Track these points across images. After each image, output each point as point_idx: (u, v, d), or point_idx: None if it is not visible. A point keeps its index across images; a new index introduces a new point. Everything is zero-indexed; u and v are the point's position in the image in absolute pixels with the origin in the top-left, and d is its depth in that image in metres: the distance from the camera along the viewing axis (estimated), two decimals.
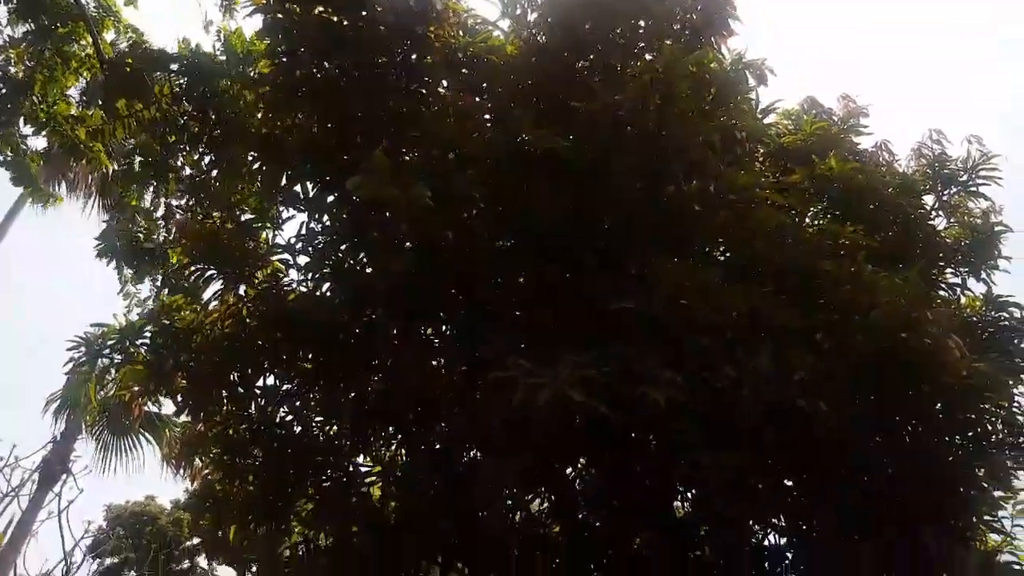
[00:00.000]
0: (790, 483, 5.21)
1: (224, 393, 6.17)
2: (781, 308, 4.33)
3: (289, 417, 6.65)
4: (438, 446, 6.17)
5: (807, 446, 4.24)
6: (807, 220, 5.41)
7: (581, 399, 3.80)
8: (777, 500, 4.79)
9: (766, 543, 6.08)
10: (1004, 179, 5.86)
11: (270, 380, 6.62)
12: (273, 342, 5.52)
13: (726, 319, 4.14)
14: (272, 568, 6.33)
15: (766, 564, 6.11)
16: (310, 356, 5.85)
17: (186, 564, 17.74)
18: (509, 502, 6.26)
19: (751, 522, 5.89)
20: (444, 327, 6.25)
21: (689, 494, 6.33)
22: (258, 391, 6.58)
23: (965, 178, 5.97)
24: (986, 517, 5.78)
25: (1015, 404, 5.57)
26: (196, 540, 17.36)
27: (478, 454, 5.96)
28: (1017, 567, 4.98)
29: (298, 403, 6.59)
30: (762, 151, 5.86)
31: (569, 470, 6.58)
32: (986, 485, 5.32)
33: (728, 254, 5.07)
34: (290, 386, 6.54)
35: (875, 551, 4.99)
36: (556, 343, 4.28)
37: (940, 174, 6.02)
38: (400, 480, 6.26)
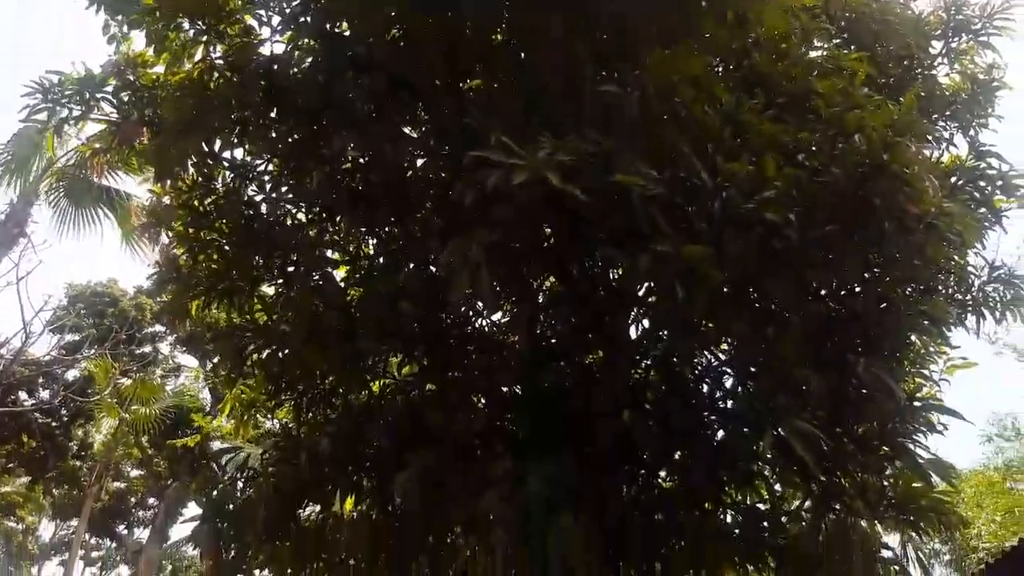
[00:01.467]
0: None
1: (191, 160, 6.01)
2: (769, 120, 4.24)
3: (259, 197, 6.58)
4: (403, 241, 6.21)
5: (765, 260, 4.31)
6: (814, 42, 5.19)
7: (558, 183, 3.76)
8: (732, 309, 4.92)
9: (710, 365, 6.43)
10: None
11: (239, 154, 6.49)
12: (243, 104, 5.30)
13: (711, 121, 4.05)
14: (234, 359, 6.46)
15: (706, 386, 6.49)
16: (282, 126, 5.65)
17: (147, 349, 18.15)
18: (474, 296, 6.43)
19: (699, 346, 6.19)
20: (423, 124, 6.08)
21: (645, 321, 6.57)
22: (227, 164, 6.44)
23: (979, 25, 5.74)
24: (918, 364, 6.15)
25: (974, 255, 5.77)
26: (159, 327, 17.67)
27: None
28: (935, 401, 5.31)
29: (267, 181, 6.49)
30: None
31: (534, 283, 6.74)
32: (927, 329, 5.60)
33: (727, 64, 4.89)
34: (260, 162, 6.41)
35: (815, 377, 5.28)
36: (538, 131, 4.18)
37: (954, 18, 5.78)
38: (367, 269, 6.33)
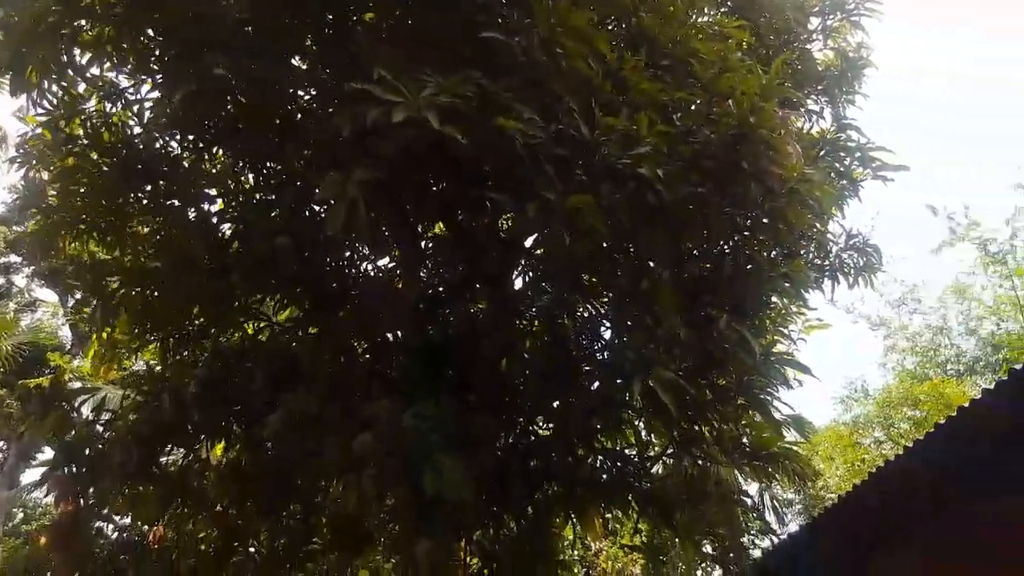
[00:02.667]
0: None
1: (53, 74, 5.53)
2: (648, 79, 4.35)
3: (132, 123, 6.17)
4: (285, 176, 5.99)
5: (641, 216, 4.46)
6: (703, 9, 5.33)
7: (436, 124, 3.72)
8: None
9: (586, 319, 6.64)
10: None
11: (111, 75, 6.04)
12: (109, 10, 4.89)
13: (593, 75, 4.11)
14: (101, 296, 6.10)
15: (585, 338, 6.70)
16: (152, 43, 5.28)
17: (0, 281, 16.66)
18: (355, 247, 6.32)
19: (581, 299, 6.37)
20: (311, 55, 5.83)
21: (528, 274, 6.68)
22: (99, 85, 5.98)
23: (852, 6, 6.07)
24: (778, 323, 6.57)
25: (834, 224, 6.18)
26: (14, 257, 16.28)
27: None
28: (788, 356, 5.70)
29: (143, 107, 6.08)
30: None
31: (420, 228, 6.69)
32: (787, 291, 5.98)
33: (614, 21, 4.96)
34: (132, 84, 5.99)
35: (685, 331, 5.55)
36: (425, 70, 4.11)
37: None
38: (244, 204, 6.08)
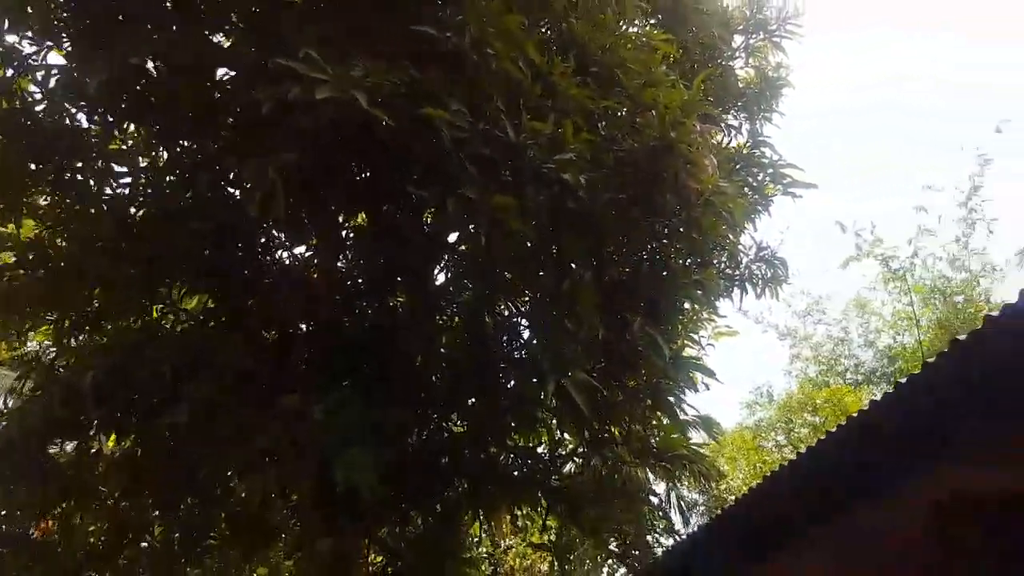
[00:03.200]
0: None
1: None
2: (576, 86, 4.40)
3: (37, 94, 5.79)
4: (200, 157, 5.76)
5: (564, 219, 4.52)
6: (633, 19, 5.42)
7: (364, 104, 3.66)
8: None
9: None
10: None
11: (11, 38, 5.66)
12: None
13: (524, 79, 4.13)
14: None
15: (505, 336, 6.73)
16: (62, 11, 4.98)
17: None
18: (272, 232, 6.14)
19: (502, 297, 6.39)
20: (233, 31, 5.62)
21: (451, 270, 6.66)
22: None
23: (774, 27, 6.32)
24: (689, 329, 6.78)
25: (746, 235, 6.42)
26: None
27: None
28: (696, 360, 5.89)
29: (48, 75, 5.72)
30: None
31: (341, 218, 6.56)
32: (699, 298, 6.17)
33: (546, 26, 4.99)
34: (36, 49, 5.62)
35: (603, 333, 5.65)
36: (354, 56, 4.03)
37: (755, 17, 6.31)
38: (155, 184, 5.82)
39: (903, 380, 4.26)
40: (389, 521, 6.21)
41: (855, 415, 4.59)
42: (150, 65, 5.03)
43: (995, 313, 3.37)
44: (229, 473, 5.47)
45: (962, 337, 3.56)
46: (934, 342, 11.72)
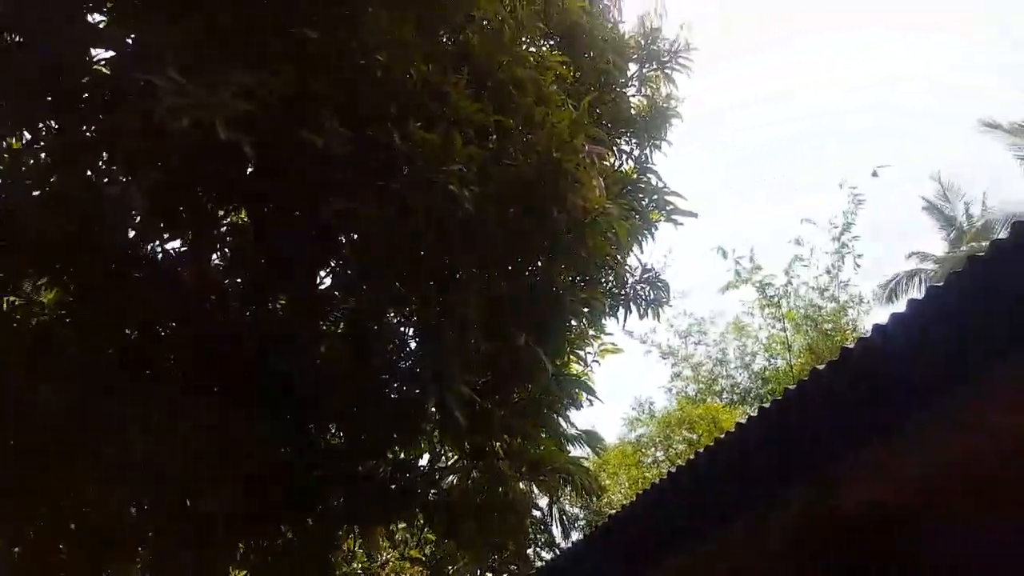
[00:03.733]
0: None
1: None
2: (469, 99, 4.40)
3: None
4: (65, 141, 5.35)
5: (451, 231, 4.49)
6: (532, 39, 5.49)
7: (224, 134, 3.51)
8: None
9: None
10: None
11: None
12: None
13: (415, 89, 4.09)
14: None
15: (391, 346, 6.61)
16: None
17: None
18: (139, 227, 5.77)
19: (390, 307, 6.27)
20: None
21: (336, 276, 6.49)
22: None
23: (666, 59, 6.57)
24: (576, 346, 6.90)
25: (633, 258, 6.61)
26: None
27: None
28: (577, 377, 6.00)
29: None
30: None
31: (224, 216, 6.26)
32: (585, 316, 6.30)
33: (443, 37, 4.97)
34: None
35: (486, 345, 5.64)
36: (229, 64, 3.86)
37: (648, 47, 6.54)
38: (11, 167, 5.35)
39: (771, 401, 4.49)
40: (255, 535, 5.94)
41: (719, 437, 4.78)
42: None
43: (851, 345, 3.62)
44: (78, 483, 5.07)
45: (821, 367, 3.80)
46: (804, 366, 12.48)
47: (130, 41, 4.78)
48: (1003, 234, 3.07)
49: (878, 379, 3.57)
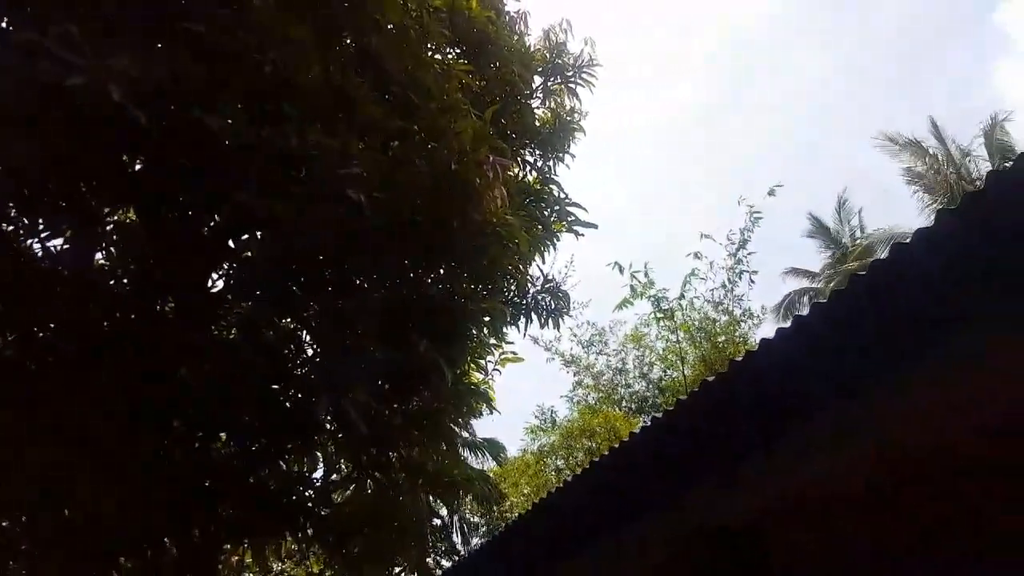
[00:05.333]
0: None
1: None
2: (373, 103, 4.34)
3: None
4: None
5: (349, 235, 4.41)
6: (437, 45, 5.47)
7: (118, 97, 3.32)
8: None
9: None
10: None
11: None
12: None
13: (314, 90, 3.99)
14: None
15: (287, 353, 6.40)
16: None
17: None
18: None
19: (285, 311, 6.08)
20: None
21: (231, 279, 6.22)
22: None
23: (571, 74, 6.70)
24: (477, 354, 6.90)
25: (536, 268, 6.69)
26: None
27: None
28: (475, 387, 6.00)
29: None
30: None
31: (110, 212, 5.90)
32: (487, 324, 6.30)
33: (346, 40, 4.88)
34: None
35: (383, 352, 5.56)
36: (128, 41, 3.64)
37: (554, 61, 6.67)
38: None
39: (659, 415, 4.63)
40: (137, 549, 5.60)
41: (613, 446, 4.90)
42: None
43: (739, 359, 3.78)
44: None
45: (711, 377, 3.96)
46: (698, 377, 12.92)
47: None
48: (883, 254, 3.30)
49: (762, 391, 3.75)
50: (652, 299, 13.28)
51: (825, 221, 22.55)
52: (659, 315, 13.43)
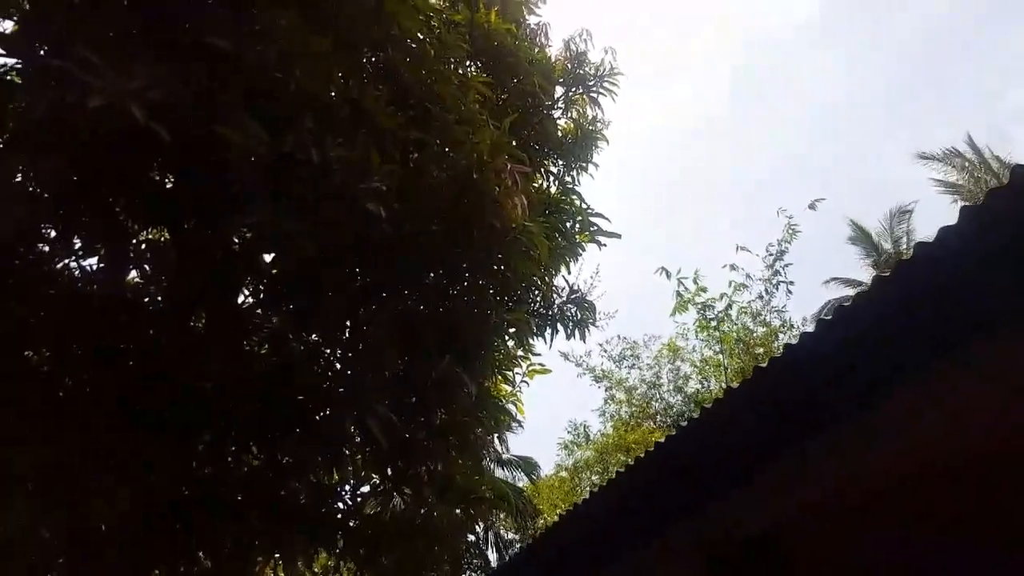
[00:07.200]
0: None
1: None
2: (390, 115, 4.39)
3: None
4: None
5: (366, 246, 4.45)
6: (455, 58, 5.51)
7: (141, 118, 3.41)
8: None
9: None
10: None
11: None
12: None
13: (330, 100, 4.05)
14: None
15: (316, 367, 6.47)
16: None
17: None
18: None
19: (315, 325, 6.14)
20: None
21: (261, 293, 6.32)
22: None
23: (592, 83, 6.70)
24: (503, 366, 6.87)
25: (561, 279, 6.66)
26: None
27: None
28: (498, 402, 5.97)
29: None
30: None
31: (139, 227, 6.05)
32: (513, 335, 6.28)
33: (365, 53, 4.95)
34: None
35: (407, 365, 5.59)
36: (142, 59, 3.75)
37: (574, 71, 6.67)
38: None
39: (692, 418, 4.58)
40: (169, 560, 5.68)
41: (629, 464, 4.84)
42: None
43: (763, 365, 3.73)
44: None
45: (735, 385, 3.91)
46: None
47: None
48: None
49: (788, 397, 3.67)
50: (699, 307, 13.10)
51: (866, 227, 22.07)
52: (704, 324, 13.23)
